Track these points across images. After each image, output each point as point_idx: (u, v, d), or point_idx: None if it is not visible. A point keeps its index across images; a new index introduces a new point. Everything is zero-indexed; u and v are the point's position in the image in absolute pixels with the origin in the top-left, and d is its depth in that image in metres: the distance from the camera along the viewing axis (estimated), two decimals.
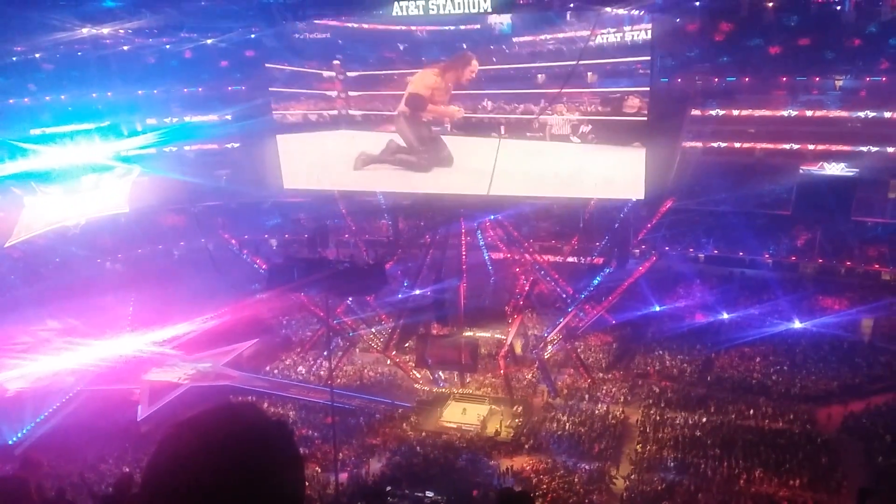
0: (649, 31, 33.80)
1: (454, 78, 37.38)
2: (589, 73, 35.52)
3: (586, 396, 38.17)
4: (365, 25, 40.07)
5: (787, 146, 48.99)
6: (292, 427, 2.41)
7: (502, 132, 37.12)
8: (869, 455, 31.61)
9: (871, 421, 33.96)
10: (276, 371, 43.21)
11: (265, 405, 38.54)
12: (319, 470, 32.27)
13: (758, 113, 49.28)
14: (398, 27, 38.95)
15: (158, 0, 56.69)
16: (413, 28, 38.56)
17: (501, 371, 39.43)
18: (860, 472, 30.43)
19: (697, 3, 52.49)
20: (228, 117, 57.54)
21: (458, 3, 39.58)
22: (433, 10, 39.76)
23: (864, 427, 33.71)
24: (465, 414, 37.27)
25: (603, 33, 34.67)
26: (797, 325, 42.34)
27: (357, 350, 44.24)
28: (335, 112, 40.10)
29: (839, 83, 49.13)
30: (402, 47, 39.10)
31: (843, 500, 28.73)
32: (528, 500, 7.47)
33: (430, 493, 29.80)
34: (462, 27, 38.20)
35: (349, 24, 40.30)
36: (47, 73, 57.54)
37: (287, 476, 2.05)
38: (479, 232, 42.37)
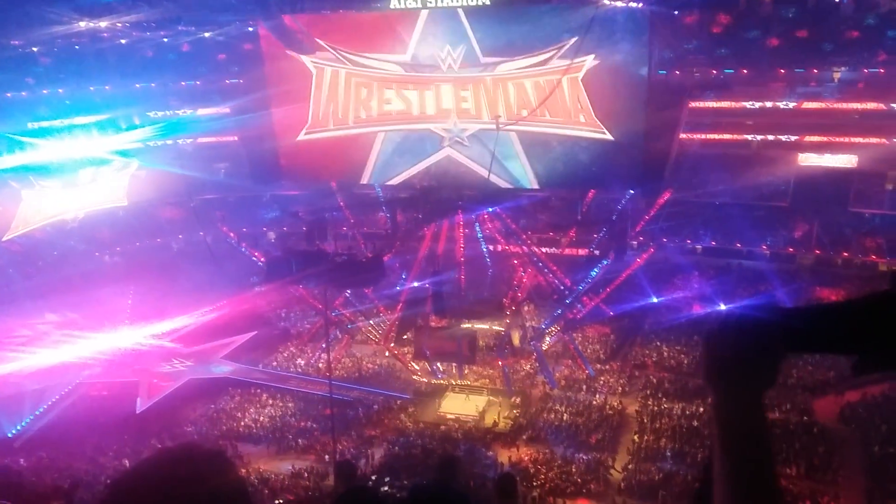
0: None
1: None
2: None
3: (584, 387, 38.23)
4: None
5: (784, 138, 49.02)
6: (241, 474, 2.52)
7: None
8: (865, 444, 31.73)
9: (868, 411, 34.04)
10: (274, 363, 43.29)
11: (264, 397, 38.69)
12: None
13: (756, 104, 49.28)
14: None
15: None
16: None
17: (500, 362, 39.53)
18: (857, 460, 30.57)
19: None
20: (227, 110, 57.49)
21: None
22: (431, 2, 39.76)
23: (861, 416, 33.80)
24: (464, 405, 37.35)
25: None
26: None
27: (355, 342, 44.32)
28: None
29: (837, 75, 49.16)
30: None
31: (839, 488, 28.89)
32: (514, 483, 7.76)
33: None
34: None
35: None
36: (45, 67, 57.49)
37: None
38: (477, 224, 42.45)
